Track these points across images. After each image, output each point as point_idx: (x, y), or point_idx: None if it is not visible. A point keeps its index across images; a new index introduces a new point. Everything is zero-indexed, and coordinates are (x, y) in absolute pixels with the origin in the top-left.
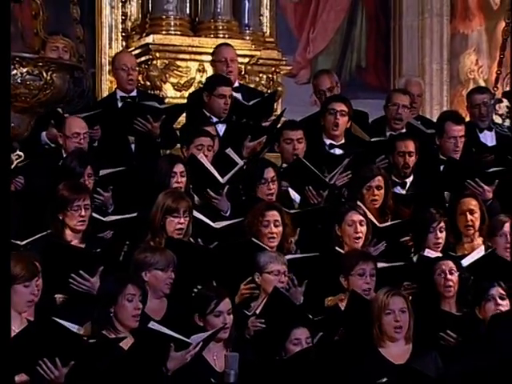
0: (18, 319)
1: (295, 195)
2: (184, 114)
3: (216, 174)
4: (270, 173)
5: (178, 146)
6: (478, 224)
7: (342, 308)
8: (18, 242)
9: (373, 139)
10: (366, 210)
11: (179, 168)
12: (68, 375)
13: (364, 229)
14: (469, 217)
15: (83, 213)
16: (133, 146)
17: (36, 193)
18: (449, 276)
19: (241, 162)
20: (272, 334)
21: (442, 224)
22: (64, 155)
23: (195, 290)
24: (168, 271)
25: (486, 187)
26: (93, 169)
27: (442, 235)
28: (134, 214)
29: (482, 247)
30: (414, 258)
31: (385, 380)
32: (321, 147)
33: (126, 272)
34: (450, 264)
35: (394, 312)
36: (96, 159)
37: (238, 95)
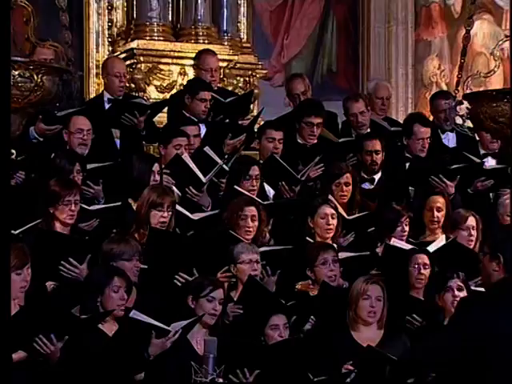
0: (13, 306)
1: (270, 190)
2: (165, 116)
3: (199, 174)
4: (255, 170)
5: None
6: (442, 220)
7: (311, 294)
8: (12, 232)
9: (341, 140)
10: (337, 204)
11: (156, 167)
12: (63, 349)
13: (335, 221)
14: (435, 213)
15: (73, 207)
16: (117, 141)
17: (28, 186)
18: (422, 270)
19: (220, 161)
20: (249, 319)
21: (408, 218)
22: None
23: (178, 278)
24: (133, 260)
25: (448, 183)
26: (81, 166)
27: (407, 228)
28: (119, 203)
29: (443, 236)
30: (379, 249)
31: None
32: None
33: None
34: (425, 259)
35: (371, 298)
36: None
37: (218, 96)
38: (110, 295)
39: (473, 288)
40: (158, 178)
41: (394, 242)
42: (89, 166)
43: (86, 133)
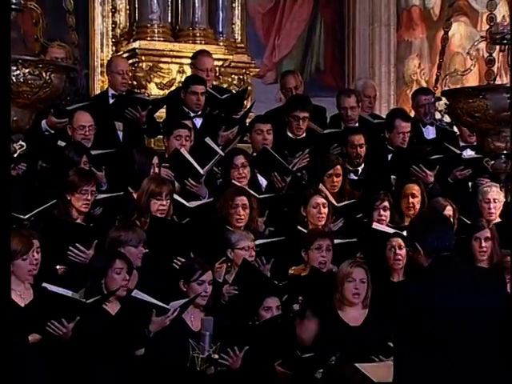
0: (21, 286)
1: (262, 180)
2: (165, 110)
3: (197, 166)
4: (239, 159)
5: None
6: (418, 207)
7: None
8: (21, 216)
9: (326, 131)
10: (328, 193)
11: (155, 160)
12: (74, 329)
13: (326, 210)
14: (411, 200)
15: (89, 197)
16: (120, 134)
17: (38, 175)
18: (398, 251)
19: (220, 152)
20: (244, 299)
21: (386, 203)
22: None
23: (177, 262)
24: (139, 247)
25: (428, 172)
26: (88, 157)
27: (386, 213)
28: (121, 193)
29: None
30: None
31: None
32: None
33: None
34: (399, 240)
35: (355, 280)
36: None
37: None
38: (112, 277)
39: None
40: (157, 169)
41: (377, 226)
42: (92, 153)
43: (88, 128)
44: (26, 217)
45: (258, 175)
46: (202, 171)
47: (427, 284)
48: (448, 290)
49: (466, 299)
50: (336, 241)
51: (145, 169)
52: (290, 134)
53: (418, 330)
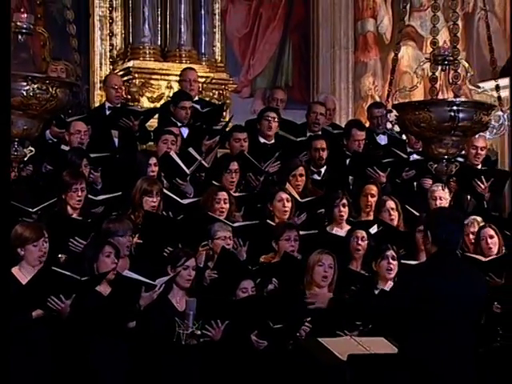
0: (32, 272)
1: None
2: (156, 121)
3: (184, 167)
4: (234, 165)
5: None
6: (374, 205)
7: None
8: (30, 209)
9: (298, 139)
10: (292, 190)
11: (153, 160)
12: (72, 305)
13: (290, 204)
14: (369, 199)
15: (80, 193)
16: (116, 141)
17: (43, 177)
18: (360, 241)
19: (200, 158)
20: (223, 282)
21: (344, 201)
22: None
23: (167, 251)
24: (126, 236)
25: (381, 173)
26: (88, 160)
27: (345, 209)
28: (119, 193)
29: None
30: (328, 228)
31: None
32: (257, 143)
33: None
34: (363, 233)
35: (324, 265)
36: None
37: (198, 106)
38: (103, 260)
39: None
40: (154, 168)
41: (337, 231)
42: (91, 156)
43: (84, 133)
44: (34, 210)
45: None
46: (188, 171)
47: (427, 270)
48: (443, 277)
49: (456, 286)
50: (301, 232)
51: (143, 167)
52: (261, 140)
53: (416, 309)
